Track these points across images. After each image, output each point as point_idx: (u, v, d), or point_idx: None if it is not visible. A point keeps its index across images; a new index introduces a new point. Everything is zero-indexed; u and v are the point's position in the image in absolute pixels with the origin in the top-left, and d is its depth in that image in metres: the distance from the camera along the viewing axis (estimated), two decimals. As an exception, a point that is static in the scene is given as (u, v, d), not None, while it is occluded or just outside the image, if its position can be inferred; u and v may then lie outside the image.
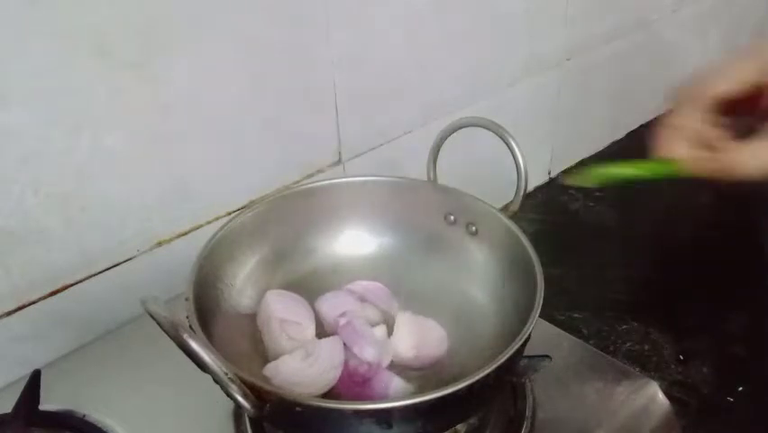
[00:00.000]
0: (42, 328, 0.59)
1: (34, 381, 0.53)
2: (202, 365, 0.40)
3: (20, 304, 0.57)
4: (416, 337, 0.52)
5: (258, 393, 0.41)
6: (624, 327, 0.79)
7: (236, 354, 0.49)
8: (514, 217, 0.54)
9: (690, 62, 1.26)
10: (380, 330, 0.54)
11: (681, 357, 0.77)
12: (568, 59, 1.01)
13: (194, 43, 0.59)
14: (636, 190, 1.12)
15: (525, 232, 0.52)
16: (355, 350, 0.51)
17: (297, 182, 0.72)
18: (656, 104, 1.26)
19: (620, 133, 1.22)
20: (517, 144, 0.52)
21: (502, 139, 0.53)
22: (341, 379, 0.50)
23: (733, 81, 0.42)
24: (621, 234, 1.01)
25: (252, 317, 0.55)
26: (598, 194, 1.09)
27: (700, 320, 0.83)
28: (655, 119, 1.27)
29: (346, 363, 0.50)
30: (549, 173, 1.12)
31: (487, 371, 0.41)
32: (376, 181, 0.60)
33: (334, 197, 0.60)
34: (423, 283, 0.59)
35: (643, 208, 1.08)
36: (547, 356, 0.52)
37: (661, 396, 0.55)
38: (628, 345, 0.78)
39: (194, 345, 0.39)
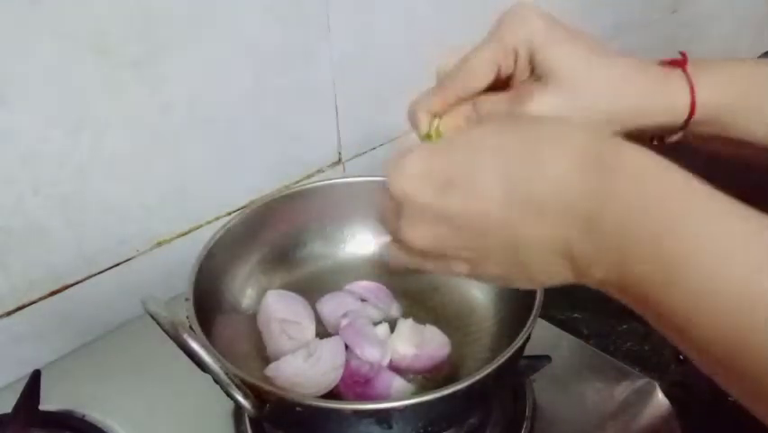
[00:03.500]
0: (42, 328, 0.59)
1: (34, 381, 0.53)
2: (202, 365, 0.40)
3: (20, 304, 0.57)
4: (416, 338, 0.52)
5: (258, 393, 0.41)
6: (624, 326, 0.79)
7: (236, 354, 0.49)
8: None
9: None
10: (382, 329, 0.54)
11: (681, 357, 0.77)
12: (568, 59, 1.01)
13: (194, 43, 0.59)
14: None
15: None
16: (357, 351, 0.51)
17: (297, 182, 0.72)
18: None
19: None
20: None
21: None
22: (342, 379, 0.50)
23: (479, 76, 0.39)
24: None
25: (252, 317, 0.55)
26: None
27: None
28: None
29: (348, 364, 0.50)
30: (549, 173, 1.12)
31: (487, 371, 0.41)
32: (376, 181, 0.60)
33: (334, 197, 0.60)
34: (423, 283, 0.59)
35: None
36: (547, 356, 0.53)
37: (661, 396, 0.55)
38: (628, 345, 0.78)
39: (194, 345, 0.39)
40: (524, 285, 0.34)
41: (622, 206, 0.28)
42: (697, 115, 0.39)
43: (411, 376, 0.51)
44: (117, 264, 0.62)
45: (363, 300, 0.57)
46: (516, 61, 0.39)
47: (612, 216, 0.29)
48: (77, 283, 0.60)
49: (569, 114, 0.38)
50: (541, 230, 0.30)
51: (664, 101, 0.39)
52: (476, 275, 0.35)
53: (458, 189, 0.32)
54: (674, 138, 0.41)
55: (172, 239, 0.65)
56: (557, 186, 0.30)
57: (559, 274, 0.32)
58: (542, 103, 0.37)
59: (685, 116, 0.39)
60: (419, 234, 0.33)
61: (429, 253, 0.34)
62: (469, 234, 0.32)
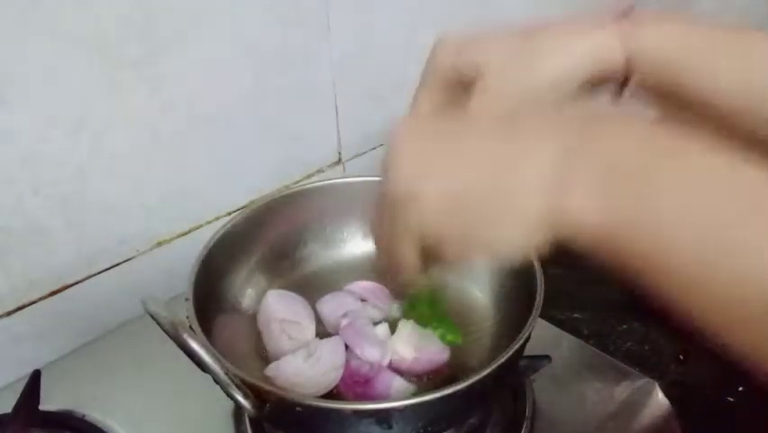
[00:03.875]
0: (42, 328, 0.59)
1: (34, 381, 0.53)
2: (202, 365, 0.40)
3: (20, 304, 0.57)
4: (417, 341, 0.52)
5: (258, 393, 0.41)
6: (624, 326, 0.79)
7: (236, 354, 0.49)
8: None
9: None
10: (382, 329, 0.54)
11: (681, 357, 0.77)
12: (568, 59, 1.01)
13: (194, 43, 0.59)
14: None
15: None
16: (357, 351, 0.51)
17: (297, 182, 0.72)
18: (656, 104, 1.25)
19: (620, 133, 1.22)
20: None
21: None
22: (343, 379, 0.50)
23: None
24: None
25: (252, 317, 0.55)
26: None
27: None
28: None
29: (348, 364, 0.50)
30: (549, 173, 1.12)
31: (487, 371, 0.41)
32: (376, 181, 0.59)
33: (334, 197, 0.60)
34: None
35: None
36: (547, 356, 0.53)
37: (661, 396, 0.55)
38: (628, 345, 0.78)
39: (194, 345, 0.39)
40: (499, 225, 0.33)
41: (610, 132, 0.30)
42: (640, 60, 0.40)
43: (412, 376, 0.51)
44: (117, 264, 0.62)
45: (363, 300, 0.57)
46: (458, 85, 0.41)
47: (599, 137, 0.30)
48: (77, 283, 0.60)
49: (506, 100, 0.39)
50: (533, 136, 0.32)
51: (592, 44, 0.41)
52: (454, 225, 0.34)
53: (452, 122, 0.35)
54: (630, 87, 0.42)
55: (172, 239, 0.65)
56: (545, 117, 0.33)
57: (540, 195, 0.31)
58: (479, 99, 0.39)
59: (618, 59, 0.40)
60: (406, 157, 0.35)
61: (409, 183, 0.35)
62: (456, 144, 0.33)
